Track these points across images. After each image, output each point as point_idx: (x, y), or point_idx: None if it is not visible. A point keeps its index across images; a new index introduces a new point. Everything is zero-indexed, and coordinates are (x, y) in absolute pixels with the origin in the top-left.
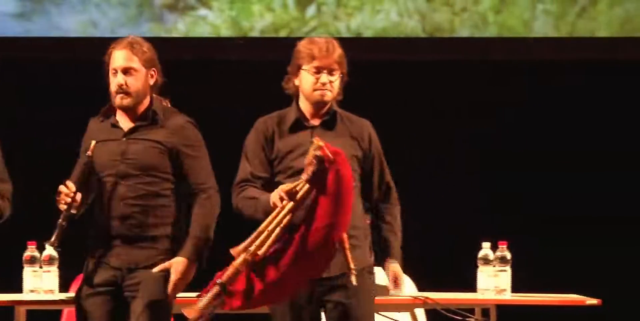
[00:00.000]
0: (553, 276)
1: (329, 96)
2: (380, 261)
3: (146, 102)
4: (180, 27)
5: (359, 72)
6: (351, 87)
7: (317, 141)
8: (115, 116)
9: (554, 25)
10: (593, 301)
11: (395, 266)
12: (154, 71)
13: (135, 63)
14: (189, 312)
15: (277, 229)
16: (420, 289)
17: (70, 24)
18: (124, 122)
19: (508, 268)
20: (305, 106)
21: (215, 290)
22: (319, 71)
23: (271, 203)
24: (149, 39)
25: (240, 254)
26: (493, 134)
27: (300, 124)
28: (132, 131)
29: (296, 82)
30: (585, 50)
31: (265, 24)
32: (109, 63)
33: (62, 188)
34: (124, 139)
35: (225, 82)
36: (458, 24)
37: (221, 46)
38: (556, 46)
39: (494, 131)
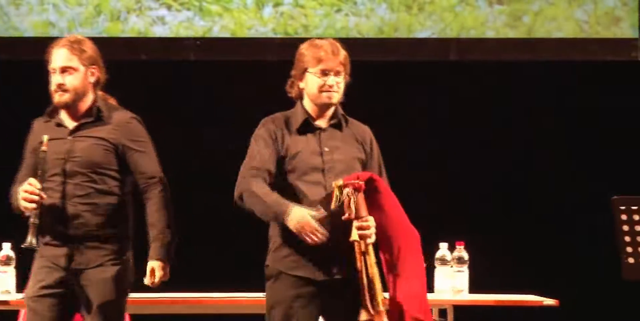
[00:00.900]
0: (511, 276)
1: (336, 97)
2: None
3: (88, 100)
4: (138, 27)
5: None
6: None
7: (335, 184)
8: (59, 115)
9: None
10: (551, 301)
11: None
12: (94, 68)
13: (74, 62)
14: None
15: (377, 274)
16: None
17: (28, 25)
18: (68, 121)
19: (465, 269)
20: (310, 108)
21: None
22: (325, 73)
23: (292, 229)
24: (106, 39)
25: (370, 314)
26: (450, 134)
27: (308, 125)
28: (76, 129)
29: (301, 85)
30: (543, 51)
31: (223, 24)
32: (49, 62)
33: (28, 186)
34: (70, 137)
35: (183, 83)
36: (417, 25)
37: (179, 47)
38: (514, 47)
39: (450, 130)
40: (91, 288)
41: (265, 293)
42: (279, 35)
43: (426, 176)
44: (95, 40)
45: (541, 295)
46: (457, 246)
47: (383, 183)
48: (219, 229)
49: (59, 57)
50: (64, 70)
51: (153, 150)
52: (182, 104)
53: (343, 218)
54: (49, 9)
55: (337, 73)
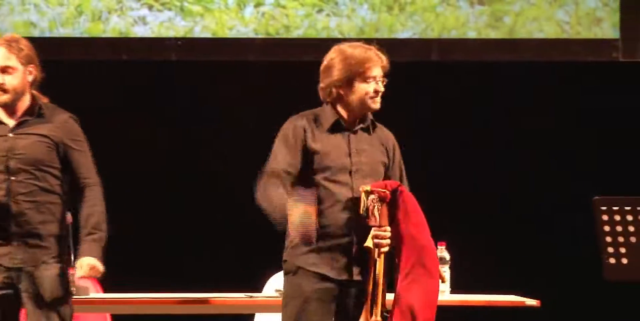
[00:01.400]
0: (493, 276)
1: (379, 104)
2: None
3: (26, 98)
4: (119, 27)
5: (296, 73)
6: (294, 87)
7: (362, 188)
8: None
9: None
10: (532, 302)
11: None
12: (32, 67)
13: (13, 61)
14: None
15: (382, 284)
16: None
17: (9, 25)
18: (7, 119)
19: (447, 269)
20: (344, 111)
21: None
22: (375, 79)
23: (291, 232)
24: (87, 40)
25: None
26: (431, 134)
27: (338, 126)
28: (18, 126)
29: (342, 91)
30: (524, 52)
31: (204, 25)
32: None
33: None
34: (11, 134)
35: (164, 83)
36: (398, 26)
37: (160, 47)
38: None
39: (432, 130)
40: (40, 286)
41: (283, 287)
42: (260, 36)
43: (407, 176)
44: (77, 41)
45: (523, 295)
46: (438, 247)
47: (409, 194)
48: (203, 230)
49: None
50: (3, 69)
51: (88, 149)
52: (164, 104)
53: (368, 223)
54: (30, 9)
55: (382, 78)
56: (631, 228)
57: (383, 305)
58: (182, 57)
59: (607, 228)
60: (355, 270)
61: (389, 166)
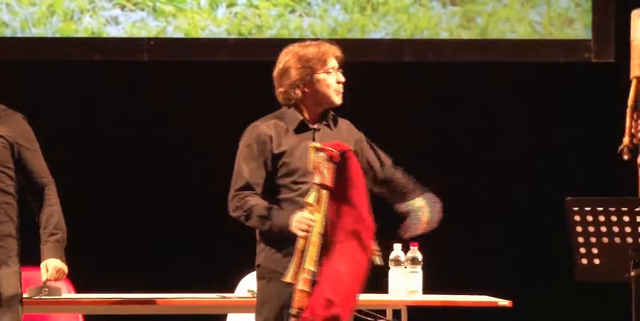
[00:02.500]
0: (465, 277)
1: (341, 99)
2: None
3: None
4: (91, 27)
5: (269, 73)
6: (267, 87)
7: (313, 145)
8: None
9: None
10: (505, 302)
11: None
12: None
13: None
14: None
15: (318, 242)
16: None
17: None
18: None
19: (419, 269)
20: (308, 111)
21: None
22: (335, 69)
23: (294, 232)
24: (60, 40)
25: (296, 277)
26: (404, 135)
27: (304, 126)
28: None
29: (305, 90)
30: (496, 52)
31: (176, 25)
32: None
33: None
34: None
35: (137, 83)
36: (370, 26)
37: (132, 47)
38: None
39: (404, 131)
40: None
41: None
42: (232, 36)
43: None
44: (49, 41)
45: (495, 296)
46: (411, 247)
47: (356, 163)
48: (175, 230)
49: None
50: None
51: (40, 150)
52: (136, 104)
53: (314, 181)
54: (2, 8)
55: (339, 69)
56: (603, 229)
57: (311, 263)
58: (155, 57)
59: (579, 229)
60: None
61: (358, 152)
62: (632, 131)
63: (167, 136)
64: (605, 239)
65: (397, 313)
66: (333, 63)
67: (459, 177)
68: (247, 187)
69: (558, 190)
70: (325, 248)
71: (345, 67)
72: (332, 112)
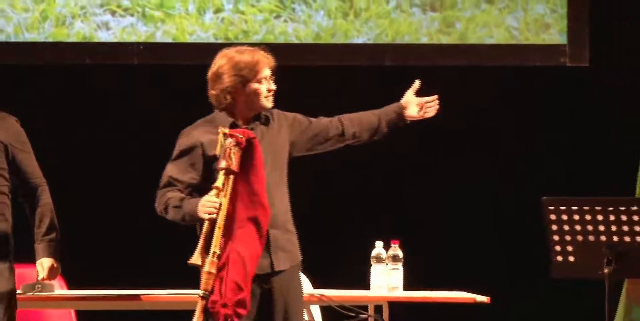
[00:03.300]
0: (445, 274)
1: (272, 102)
2: None
3: None
4: (83, 32)
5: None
6: None
7: (222, 130)
8: None
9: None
10: (483, 298)
11: None
12: None
13: None
14: None
15: (221, 226)
16: (315, 287)
17: None
18: None
19: (400, 266)
20: (240, 114)
21: (200, 303)
22: (267, 79)
23: (201, 216)
24: (52, 44)
25: (203, 259)
26: (389, 137)
27: (236, 128)
28: None
29: (235, 96)
30: (475, 57)
31: (165, 30)
32: None
33: None
34: None
35: (127, 86)
36: (353, 31)
37: (122, 51)
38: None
39: (390, 133)
40: None
41: None
42: (219, 41)
43: (363, 178)
44: (42, 45)
45: (473, 292)
46: (392, 245)
47: (259, 150)
48: (165, 227)
49: None
50: None
51: (32, 151)
52: (126, 106)
53: (220, 166)
54: None
55: (272, 77)
56: (578, 227)
57: (217, 246)
58: (144, 61)
59: (554, 227)
60: (275, 261)
61: (304, 133)
62: None
63: (156, 138)
64: (579, 238)
65: (378, 308)
66: (266, 72)
67: (440, 178)
68: (169, 184)
69: (536, 189)
70: (228, 232)
71: (328, 71)
72: (263, 112)
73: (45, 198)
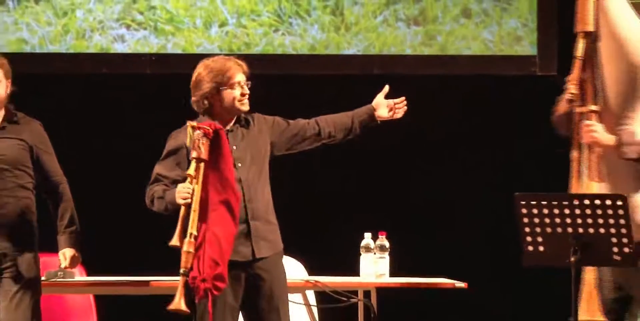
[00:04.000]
0: (427, 262)
1: (247, 105)
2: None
3: (4, 107)
4: (101, 44)
5: (255, 85)
6: (252, 98)
7: (190, 123)
8: None
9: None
10: (461, 284)
11: None
12: (9, 81)
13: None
14: (172, 308)
15: (196, 209)
16: (310, 274)
17: (4, 42)
18: None
19: (386, 255)
20: (219, 117)
21: (181, 280)
22: (239, 84)
23: (178, 202)
24: (73, 55)
25: (181, 240)
26: (371, 137)
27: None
28: None
29: (212, 100)
30: (454, 66)
31: (175, 42)
32: None
33: None
34: None
35: (140, 93)
36: (344, 43)
37: (136, 61)
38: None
39: (372, 133)
40: (20, 268)
41: None
42: (224, 52)
43: (353, 176)
44: (63, 56)
45: (453, 279)
46: (379, 236)
47: (225, 140)
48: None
49: None
50: None
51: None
52: (139, 112)
53: (192, 156)
54: (23, 28)
55: (247, 82)
56: (547, 220)
57: (194, 227)
58: (156, 71)
59: (526, 220)
60: (256, 249)
61: (283, 133)
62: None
63: (161, 139)
64: (548, 229)
65: (367, 293)
66: (239, 78)
67: (420, 174)
68: (156, 180)
69: (507, 185)
70: (203, 215)
71: (322, 79)
72: (243, 115)
73: (66, 194)
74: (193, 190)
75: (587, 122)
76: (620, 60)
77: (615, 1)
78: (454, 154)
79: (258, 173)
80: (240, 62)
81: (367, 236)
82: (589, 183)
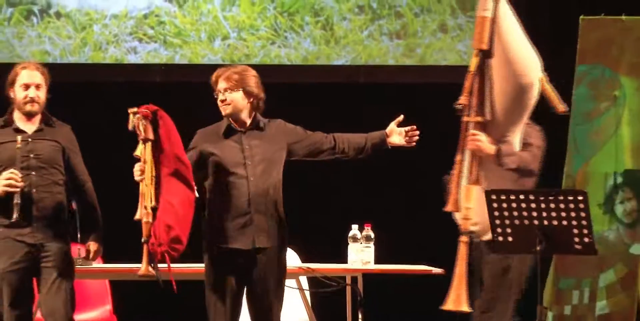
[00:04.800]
0: (409, 250)
1: (227, 110)
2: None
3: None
4: (115, 55)
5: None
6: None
7: (130, 110)
8: (14, 123)
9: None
10: (438, 270)
11: None
12: (47, 88)
13: (42, 81)
14: (140, 273)
15: (148, 184)
16: (303, 261)
17: (29, 53)
18: (26, 126)
19: (372, 245)
20: (232, 118)
21: (145, 249)
22: (221, 91)
23: (136, 178)
24: (91, 65)
25: (141, 213)
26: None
27: (231, 130)
28: (36, 132)
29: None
30: (432, 75)
31: (182, 54)
32: (14, 79)
33: (12, 175)
34: (30, 139)
35: (150, 100)
36: (334, 55)
37: (147, 71)
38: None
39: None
40: (52, 259)
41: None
42: (226, 62)
43: (341, 173)
44: (82, 66)
45: (431, 265)
46: (365, 227)
47: (170, 121)
48: None
49: (32, 76)
50: (37, 86)
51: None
52: None
53: (139, 137)
54: (45, 41)
55: (225, 90)
56: (515, 213)
57: (149, 199)
58: (165, 80)
59: (496, 213)
60: (257, 239)
61: (297, 143)
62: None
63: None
64: (516, 221)
65: (354, 279)
66: (220, 85)
67: (405, 173)
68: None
69: None
70: (157, 188)
71: (313, 87)
72: (260, 119)
73: (91, 192)
74: (143, 167)
75: (473, 131)
76: (508, 78)
77: (508, 24)
78: (431, 147)
79: (266, 172)
80: (220, 72)
81: (354, 227)
82: (468, 186)
